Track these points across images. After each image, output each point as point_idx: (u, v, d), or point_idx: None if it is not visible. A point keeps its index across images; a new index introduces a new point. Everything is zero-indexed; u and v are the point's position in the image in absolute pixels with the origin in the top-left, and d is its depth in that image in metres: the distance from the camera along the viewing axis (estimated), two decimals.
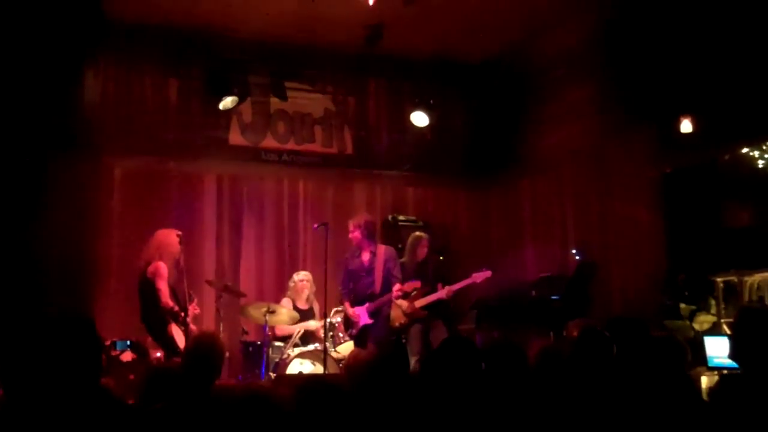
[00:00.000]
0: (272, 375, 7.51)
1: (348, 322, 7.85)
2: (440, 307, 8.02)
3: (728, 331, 6.92)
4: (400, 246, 8.60)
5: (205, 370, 3.80)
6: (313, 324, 8.24)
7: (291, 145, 9.83)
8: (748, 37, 6.91)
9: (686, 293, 7.82)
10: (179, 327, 7.03)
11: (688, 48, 7.37)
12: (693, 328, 7.45)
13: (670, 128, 7.91)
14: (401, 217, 9.89)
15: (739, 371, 3.81)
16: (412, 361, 7.66)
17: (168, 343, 6.99)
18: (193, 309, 7.18)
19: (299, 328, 8.08)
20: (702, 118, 7.71)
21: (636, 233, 8.17)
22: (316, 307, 8.41)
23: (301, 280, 8.50)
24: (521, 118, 9.59)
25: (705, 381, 6.62)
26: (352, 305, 7.79)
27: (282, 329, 8.20)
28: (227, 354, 5.71)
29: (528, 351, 4.12)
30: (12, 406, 3.25)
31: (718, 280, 7.49)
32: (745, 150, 7.82)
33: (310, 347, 7.80)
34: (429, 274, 8.10)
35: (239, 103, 9.19)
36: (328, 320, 7.74)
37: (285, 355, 7.79)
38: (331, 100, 10.07)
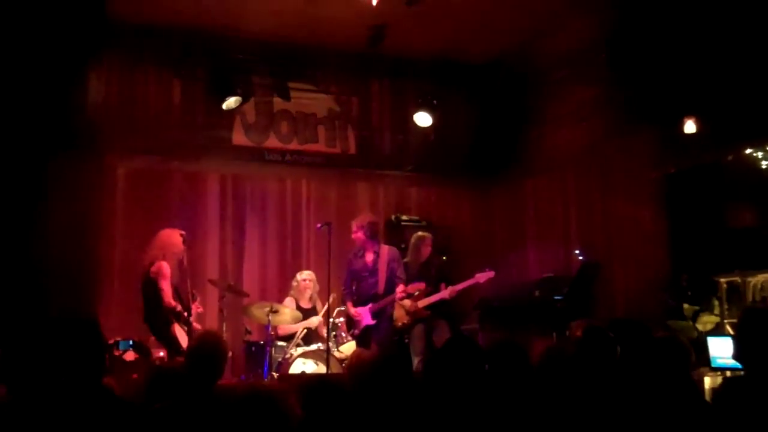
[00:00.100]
0: (275, 375, 7.52)
1: (350, 322, 7.85)
2: (443, 308, 8.03)
3: (731, 332, 6.92)
4: (403, 246, 8.61)
5: (207, 369, 3.80)
6: (315, 320, 8.24)
7: (294, 145, 9.83)
8: (751, 39, 6.91)
9: (689, 294, 7.82)
10: (182, 327, 7.04)
11: (691, 49, 7.37)
12: (696, 329, 7.44)
13: (673, 129, 7.90)
14: (404, 217, 9.90)
15: (742, 372, 3.81)
16: (415, 361, 7.66)
17: (171, 343, 7.00)
18: (196, 308, 7.19)
19: (301, 327, 8.09)
20: (705, 119, 7.71)
21: (639, 234, 8.17)
22: (319, 307, 8.41)
23: (304, 280, 8.51)
24: (524, 118, 9.60)
25: (708, 382, 6.61)
26: (355, 305, 7.79)
27: (285, 329, 8.21)
28: (230, 354, 5.72)
29: (531, 351, 4.11)
30: (16, 405, 3.26)
31: (722, 280, 7.49)
32: (748, 151, 7.81)
33: (313, 347, 7.81)
34: (432, 274, 8.11)
35: (242, 103, 9.19)
36: (331, 320, 7.75)
37: (288, 355, 7.80)
38: (334, 100, 10.07)
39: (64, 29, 7.43)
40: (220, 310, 7.81)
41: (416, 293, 7.86)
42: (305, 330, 8.13)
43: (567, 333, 7.54)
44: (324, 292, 7.94)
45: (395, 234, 9.50)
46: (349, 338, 7.95)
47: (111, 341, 6.77)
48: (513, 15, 8.54)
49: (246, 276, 9.34)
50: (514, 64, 9.76)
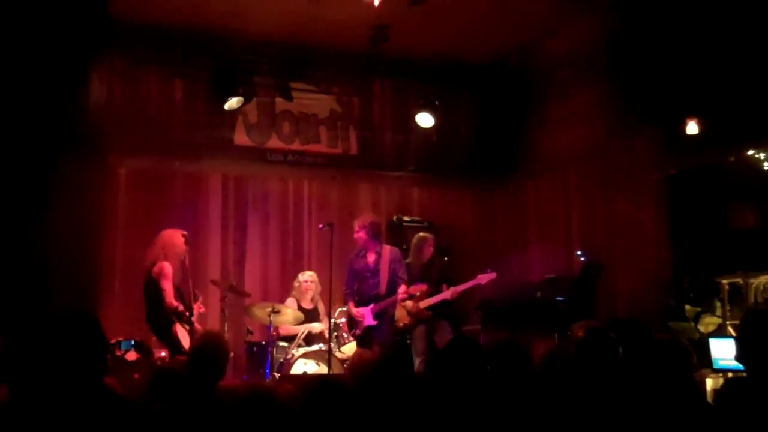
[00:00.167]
0: (276, 375, 7.52)
1: (352, 323, 7.85)
2: (444, 308, 8.02)
3: (733, 333, 6.92)
4: (405, 247, 8.61)
5: (209, 370, 3.81)
6: (317, 326, 8.25)
7: (296, 146, 9.83)
8: (753, 40, 6.90)
9: (691, 295, 7.82)
10: (184, 327, 7.04)
11: (693, 50, 7.36)
12: (698, 330, 7.44)
13: (675, 130, 7.90)
14: (406, 218, 9.90)
15: (744, 373, 3.81)
16: (417, 361, 7.67)
17: (172, 343, 7.01)
18: (198, 308, 7.19)
19: (304, 329, 8.09)
20: (707, 120, 7.71)
21: (641, 235, 8.16)
22: (321, 308, 8.41)
23: (306, 281, 8.51)
24: (526, 119, 9.59)
25: (710, 383, 6.60)
26: (357, 305, 7.79)
27: (286, 329, 8.21)
28: (232, 354, 5.72)
29: (532, 352, 4.11)
30: (18, 405, 3.26)
31: (724, 281, 7.49)
32: (750, 152, 7.81)
33: (315, 347, 7.82)
34: (434, 275, 8.10)
35: (244, 103, 9.19)
36: (333, 321, 7.75)
37: (289, 356, 7.80)
38: (336, 100, 10.07)
39: (66, 29, 7.42)
40: (222, 311, 7.81)
41: (418, 294, 7.86)
42: (307, 331, 8.13)
43: (568, 334, 7.54)
44: (326, 293, 7.93)
45: (397, 234, 9.51)
46: (351, 339, 7.95)
47: (113, 341, 6.77)
48: (515, 16, 8.53)
49: (248, 276, 9.34)
50: (516, 64, 9.76)
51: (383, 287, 7.71)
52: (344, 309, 8.03)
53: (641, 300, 7.88)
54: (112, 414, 3.14)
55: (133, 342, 6.99)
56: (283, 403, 3.30)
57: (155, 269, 7.07)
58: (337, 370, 7.23)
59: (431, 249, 8.26)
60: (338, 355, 7.70)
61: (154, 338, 7.20)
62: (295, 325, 8.07)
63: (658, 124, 7.96)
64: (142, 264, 7.28)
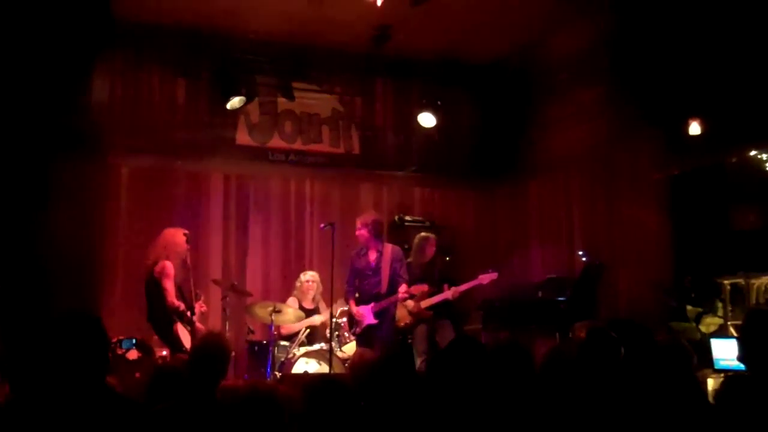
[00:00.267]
0: (278, 374, 7.53)
1: (352, 321, 7.85)
2: (446, 308, 8.03)
3: (735, 334, 6.91)
4: (406, 246, 8.61)
5: (211, 369, 3.81)
6: (317, 318, 8.24)
7: (298, 145, 9.84)
8: (755, 40, 6.90)
9: (693, 295, 7.80)
10: (185, 326, 7.04)
11: (695, 51, 7.36)
12: (699, 331, 7.42)
13: (677, 130, 7.89)
14: (408, 218, 9.90)
15: (745, 373, 3.81)
16: (418, 361, 7.67)
17: (173, 342, 7.01)
18: (199, 307, 7.19)
19: (304, 325, 8.09)
20: (710, 120, 7.69)
21: (643, 235, 8.16)
22: (323, 307, 8.41)
23: (308, 281, 8.51)
24: (528, 119, 9.59)
25: (711, 383, 6.60)
26: (357, 304, 7.80)
27: (288, 328, 8.21)
28: (233, 353, 5.72)
29: (534, 352, 4.11)
30: (19, 403, 3.26)
31: (725, 282, 7.48)
32: (753, 153, 7.79)
33: (316, 347, 7.82)
34: (435, 275, 8.11)
35: (247, 103, 9.19)
36: (334, 320, 7.75)
37: (291, 355, 7.80)
38: (338, 100, 10.07)
39: (69, 28, 7.44)
40: (223, 310, 7.82)
41: (418, 294, 7.86)
42: (308, 330, 8.13)
43: (570, 334, 7.53)
44: (327, 293, 7.94)
45: (399, 234, 9.51)
46: (352, 338, 7.95)
47: (114, 340, 6.78)
48: (517, 16, 8.53)
49: (249, 276, 9.34)
50: (518, 65, 9.76)
51: (384, 286, 7.70)
52: (345, 308, 8.03)
53: (642, 300, 7.88)
54: (113, 412, 3.15)
55: (134, 341, 6.99)
56: (284, 402, 3.31)
57: (157, 268, 7.07)
58: (338, 369, 7.23)
59: (433, 249, 8.27)
60: (339, 354, 7.71)
61: (156, 337, 7.20)
62: (297, 324, 8.07)
63: (660, 124, 7.96)
64: (143, 263, 7.28)
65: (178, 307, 7.01)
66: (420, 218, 9.97)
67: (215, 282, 8.25)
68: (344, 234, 8.11)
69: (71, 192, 7.58)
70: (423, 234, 8.49)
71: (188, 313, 6.98)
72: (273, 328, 7.73)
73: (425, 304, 7.91)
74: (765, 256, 7.28)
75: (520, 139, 9.69)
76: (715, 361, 6.61)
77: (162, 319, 7.05)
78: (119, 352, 6.82)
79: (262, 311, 7.75)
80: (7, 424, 3.10)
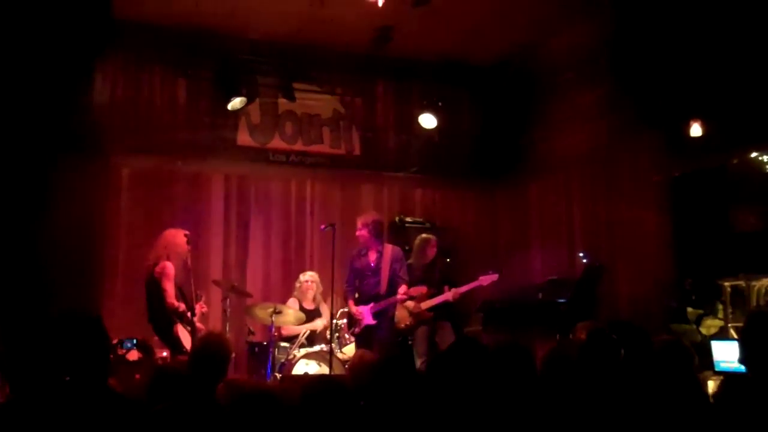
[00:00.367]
0: (278, 375, 7.52)
1: (351, 321, 7.85)
2: (446, 310, 8.02)
3: (735, 336, 6.91)
4: (407, 247, 8.60)
5: (211, 370, 3.81)
6: (319, 323, 8.25)
7: (299, 146, 9.84)
8: (757, 42, 6.90)
9: (693, 297, 7.81)
10: (185, 327, 7.04)
11: (697, 52, 7.36)
12: (700, 333, 7.43)
13: (678, 132, 7.89)
14: (408, 219, 9.90)
15: (745, 374, 3.80)
16: (418, 362, 7.66)
17: (173, 343, 7.01)
18: (200, 308, 7.19)
19: (305, 329, 8.09)
20: (711, 122, 7.70)
21: (643, 237, 8.15)
22: (323, 308, 8.41)
23: (307, 281, 8.51)
24: (529, 120, 9.59)
25: (712, 385, 6.60)
26: (357, 304, 7.80)
27: (288, 330, 8.21)
28: (233, 354, 5.71)
29: (534, 354, 4.11)
30: (19, 403, 3.26)
31: (726, 284, 7.47)
32: (754, 154, 7.79)
33: (316, 348, 7.82)
34: (436, 276, 8.10)
35: (247, 103, 9.20)
36: (335, 321, 7.75)
37: (291, 356, 7.80)
38: (339, 101, 10.07)
39: (70, 29, 7.43)
40: (224, 311, 7.80)
41: (417, 296, 7.86)
42: (308, 331, 8.13)
43: (571, 335, 7.52)
44: (328, 293, 7.93)
45: (399, 235, 9.50)
46: (352, 339, 7.94)
47: (115, 340, 6.77)
48: (518, 17, 8.53)
49: (249, 277, 9.34)
50: (519, 66, 9.75)
51: (383, 286, 7.70)
52: (346, 309, 8.03)
53: (643, 302, 7.88)
54: (113, 412, 3.15)
55: (135, 341, 7.00)
56: (284, 403, 3.31)
57: (157, 269, 7.07)
58: (338, 370, 7.22)
59: (434, 250, 8.26)
60: (339, 355, 7.70)
61: (156, 338, 7.20)
62: (297, 325, 8.07)
63: (661, 126, 7.96)
64: (144, 263, 7.28)
65: (178, 308, 7.01)
66: (420, 219, 9.97)
67: (216, 283, 8.24)
68: (345, 235, 8.10)
69: (72, 192, 7.58)
70: (424, 235, 8.48)
71: (188, 314, 6.97)
72: (273, 329, 7.73)
73: (426, 305, 7.91)
74: (766, 258, 7.28)
75: (520, 140, 9.69)
76: (715, 363, 6.61)
77: (162, 319, 7.04)
78: (120, 352, 6.83)
79: (263, 312, 7.75)
80: (7, 424, 3.10)
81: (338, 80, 10.04)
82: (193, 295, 7.04)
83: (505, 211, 10.41)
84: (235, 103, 9.06)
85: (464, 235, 10.15)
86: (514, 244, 9.98)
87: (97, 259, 8.08)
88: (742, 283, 7.35)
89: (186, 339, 6.97)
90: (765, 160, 7.77)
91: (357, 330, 7.76)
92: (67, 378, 3.28)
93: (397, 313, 7.87)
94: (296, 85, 9.64)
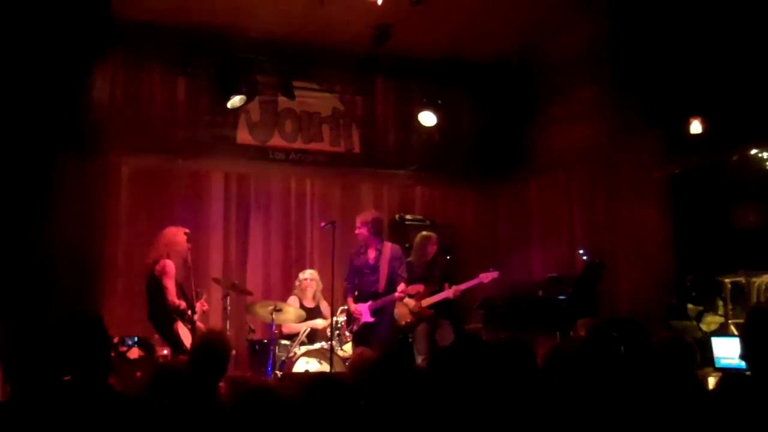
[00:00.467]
0: (278, 373, 7.53)
1: (350, 319, 7.87)
2: (446, 307, 8.02)
3: (736, 332, 6.91)
4: (407, 245, 8.61)
5: (211, 367, 3.81)
6: (320, 323, 8.25)
7: (298, 144, 9.83)
8: (756, 39, 6.90)
9: (694, 294, 7.81)
10: (185, 325, 7.05)
11: (696, 49, 7.35)
12: (700, 329, 7.43)
13: (678, 129, 7.89)
14: (408, 217, 9.91)
15: (744, 371, 3.81)
16: (418, 360, 7.67)
17: (174, 341, 7.01)
18: (201, 306, 7.20)
19: (306, 327, 8.09)
20: (710, 119, 7.70)
21: (643, 234, 8.15)
22: (324, 306, 8.41)
23: (306, 279, 8.51)
24: (529, 118, 9.58)
25: (712, 382, 6.60)
26: (356, 302, 7.82)
27: (289, 327, 8.22)
28: (234, 352, 5.72)
29: (535, 351, 4.11)
30: (20, 402, 3.27)
31: (726, 281, 7.48)
32: (753, 151, 7.79)
33: (317, 346, 7.82)
34: (436, 274, 8.10)
35: (247, 101, 9.20)
36: (335, 319, 7.75)
37: (291, 354, 7.80)
38: (339, 99, 10.07)
39: (69, 28, 7.43)
40: (224, 309, 7.80)
41: (419, 293, 7.86)
42: (309, 329, 8.13)
43: (571, 333, 7.54)
44: (328, 291, 7.94)
45: (399, 233, 9.51)
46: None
47: (116, 338, 6.78)
48: (518, 15, 8.52)
49: (250, 274, 9.35)
50: (519, 63, 9.75)
51: (382, 284, 7.72)
52: (346, 307, 8.03)
53: (643, 299, 7.88)
54: (113, 411, 3.15)
55: (136, 339, 7.01)
56: (284, 401, 3.31)
57: (158, 267, 7.07)
58: (339, 368, 7.23)
59: (434, 248, 8.26)
60: (340, 353, 7.70)
61: (157, 336, 7.20)
62: (297, 323, 8.07)
63: (661, 123, 7.95)
64: (144, 262, 7.29)
65: (178, 306, 7.02)
66: (420, 217, 9.97)
67: (216, 281, 8.25)
68: (345, 233, 8.11)
69: (72, 191, 7.58)
70: (424, 233, 8.48)
71: (189, 312, 6.98)
72: (274, 327, 7.73)
73: (426, 302, 7.91)
74: (766, 254, 7.28)
75: (520, 137, 9.68)
76: (715, 359, 6.62)
77: (162, 317, 7.05)
78: (121, 350, 6.84)
79: (263, 310, 7.76)
80: (8, 423, 3.10)
81: (338, 78, 10.03)
82: (194, 293, 7.05)
83: (505, 209, 10.41)
84: (235, 101, 9.06)
85: (464, 233, 10.15)
86: (514, 242, 9.98)
87: (97, 257, 8.07)
88: (742, 279, 7.36)
89: (186, 337, 6.98)
90: (765, 157, 7.77)
91: (355, 328, 7.78)
92: (68, 377, 3.29)
93: (397, 310, 7.88)
94: (296, 83, 9.64)
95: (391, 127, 10.23)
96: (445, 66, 10.01)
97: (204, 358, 3.83)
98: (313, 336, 8.16)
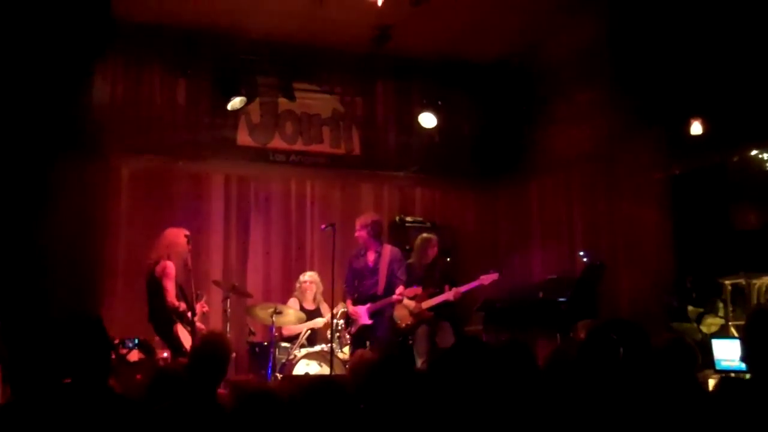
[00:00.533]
0: (279, 376, 7.52)
1: (348, 321, 7.88)
2: (446, 309, 8.02)
3: (736, 334, 6.91)
4: (407, 247, 8.60)
5: (211, 370, 3.81)
6: (320, 321, 8.24)
7: (299, 146, 9.83)
8: (757, 40, 6.89)
9: (694, 295, 7.80)
10: (185, 326, 7.04)
11: (697, 50, 7.35)
12: (700, 331, 7.43)
13: (678, 130, 7.89)
14: (409, 218, 9.90)
15: (747, 374, 3.80)
16: (419, 362, 7.66)
17: (173, 343, 7.01)
18: (201, 307, 7.20)
19: (306, 328, 8.09)
20: (711, 120, 7.70)
21: (644, 235, 8.15)
22: (324, 308, 8.41)
23: (306, 282, 8.50)
24: (529, 119, 9.58)
25: (712, 384, 6.59)
26: (354, 304, 7.82)
27: (289, 330, 8.21)
28: (234, 354, 5.71)
29: (535, 353, 4.10)
30: (20, 404, 3.26)
31: (726, 282, 7.47)
32: (754, 152, 7.79)
33: (317, 348, 7.82)
34: (436, 276, 8.10)
35: (247, 103, 9.20)
36: (335, 321, 7.75)
37: (291, 356, 7.80)
38: (339, 100, 10.06)
39: (70, 29, 7.42)
40: (224, 311, 7.80)
41: (419, 295, 7.86)
42: (309, 331, 8.13)
43: (571, 334, 7.53)
44: (328, 293, 7.94)
45: (399, 235, 9.51)
46: None
47: (116, 341, 6.77)
48: (518, 16, 8.52)
49: (250, 277, 9.34)
50: (519, 65, 9.75)
51: (381, 287, 7.74)
52: (345, 309, 8.04)
53: (644, 300, 7.88)
54: (113, 413, 3.15)
55: (136, 341, 7.00)
56: (285, 403, 3.30)
57: (158, 268, 7.08)
58: (339, 370, 7.22)
59: (435, 250, 8.25)
60: (340, 355, 7.69)
61: (157, 339, 7.20)
62: (297, 325, 8.07)
63: (661, 124, 7.95)
64: (145, 263, 7.29)
65: (178, 307, 7.02)
66: (421, 219, 9.96)
67: (216, 283, 8.24)
68: (345, 234, 8.11)
69: (72, 192, 7.56)
70: (425, 235, 8.48)
71: (189, 314, 6.98)
72: (274, 329, 7.73)
73: (426, 304, 7.90)
74: (766, 256, 7.28)
75: (521, 139, 9.68)
76: (716, 361, 6.61)
77: (162, 319, 7.05)
78: (122, 352, 6.83)
79: (263, 312, 7.75)
80: (8, 425, 3.10)
81: (338, 80, 10.03)
82: (194, 294, 7.05)
83: (505, 210, 10.41)
84: (235, 102, 9.06)
85: (465, 235, 10.15)
86: (514, 243, 9.98)
87: (97, 259, 8.06)
88: (742, 281, 7.35)
89: (186, 339, 6.98)
90: (765, 158, 7.77)
91: (353, 330, 7.78)
92: (68, 379, 3.28)
93: (397, 312, 7.88)
94: (296, 85, 9.64)
95: (392, 128, 10.23)
96: (446, 67, 10.01)
97: (204, 361, 3.83)
98: (313, 338, 8.15)
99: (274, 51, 9.45)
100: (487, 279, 7.92)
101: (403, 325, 7.90)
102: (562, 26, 8.68)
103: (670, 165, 8.20)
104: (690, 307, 7.65)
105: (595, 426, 3.65)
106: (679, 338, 4.30)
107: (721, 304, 7.51)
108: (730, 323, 7.31)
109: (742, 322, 6.27)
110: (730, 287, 7.42)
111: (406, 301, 7.82)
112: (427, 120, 9.58)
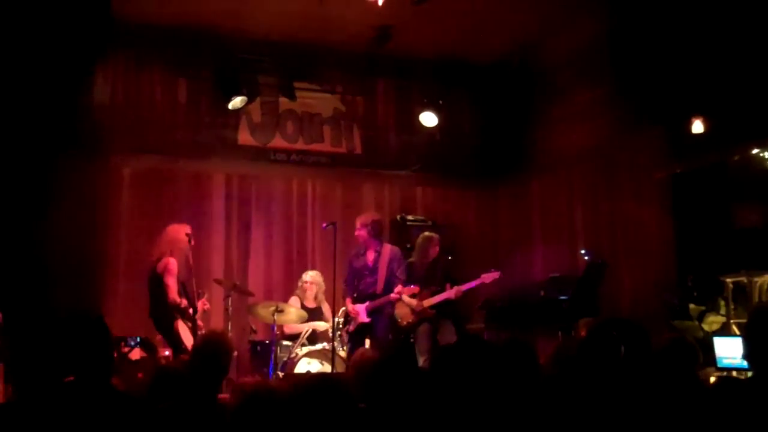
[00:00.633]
0: (280, 374, 7.53)
1: (347, 319, 7.89)
2: (448, 308, 8.01)
3: (738, 332, 6.91)
4: (408, 246, 8.60)
5: (212, 368, 3.81)
6: (322, 325, 8.24)
7: (300, 145, 9.84)
8: (757, 38, 6.89)
9: (695, 294, 7.79)
10: (186, 323, 7.05)
11: (697, 49, 7.35)
12: (702, 329, 7.42)
13: (679, 129, 7.89)
14: (410, 217, 9.91)
15: (749, 373, 3.80)
16: (420, 360, 7.66)
17: (174, 340, 7.02)
18: (202, 305, 7.20)
19: (308, 328, 8.09)
20: (712, 118, 7.69)
21: (645, 234, 8.15)
22: (325, 307, 8.41)
23: (307, 282, 8.50)
24: (530, 118, 9.59)
25: (713, 382, 6.60)
26: (354, 302, 7.84)
27: (290, 328, 8.21)
28: (235, 353, 5.72)
29: (536, 351, 4.11)
30: (23, 403, 3.27)
31: (728, 280, 7.46)
32: (755, 151, 7.78)
33: (318, 346, 7.82)
34: (438, 274, 8.09)
35: (248, 102, 9.21)
36: (336, 320, 7.76)
37: (293, 354, 7.80)
38: (340, 100, 10.07)
39: (70, 29, 7.44)
40: (226, 310, 7.81)
41: (419, 294, 7.86)
42: (311, 329, 8.13)
43: (573, 333, 7.53)
44: (329, 292, 7.94)
45: (401, 234, 9.51)
46: None
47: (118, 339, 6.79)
48: (519, 15, 8.53)
49: (251, 275, 9.35)
50: (520, 64, 9.75)
51: (380, 286, 7.75)
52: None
53: (645, 299, 7.88)
54: (116, 411, 3.15)
55: (138, 339, 7.01)
56: (286, 401, 3.31)
57: (160, 265, 7.09)
58: (340, 369, 7.23)
59: (437, 249, 8.24)
60: (342, 354, 7.70)
61: (159, 337, 7.21)
62: (299, 324, 8.07)
63: (662, 122, 7.95)
64: (147, 259, 7.30)
65: (179, 304, 7.02)
66: (422, 218, 9.97)
67: (217, 282, 8.25)
68: (346, 233, 8.11)
69: (73, 192, 7.58)
70: (426, 234, 8.47)
71: (190, 310, 6.98)
72: (275, 327, 7.73)
73: (428, 303, 7.90)
74: (767, 254, 7.28)
75: (522, 138, 9.69)
76: (717, 359, 6.61)
77: (163, 315, 7.06)
78: (124, 350, 6.84)
79: (265, 311, 7.75)
80: (11, 424, 3.10)
81: (339, 79, 10.04)
82: (195, 292, 7.06)
83: (506, 209, 10.41)
84: (236, 102, 9.07)
85: (466, 233, 10.15)
86: (516, 242, 9.98)
87: (99, 258, 8.08)
88: (743, 279, 7.34)
89: (186, 335, 6.98)
90: (766, 157, 7.76)
91: (351, 328, 7.79)
92: (71, 378, 3.29)
93: (399, 310, 7.88)
94: (297, 84, 9.65)
95: (393, 127, 10.24)
96: (446, 66, 10.02)
97: (205, 359, 3.83)
98: (314, 337, 8.15)
99: (274, 50, 9.46)
100: (488, 277, 7.92)
101: (405, 323, 7.90)
102: (562, 26, 8.69)
103: (672, 163, 8.19)
104: (691, 305, 7.64)
105: (597, 425, 3.66)
106: (680, 337, 4.30)
107: (722, 302, 7.50)
108: (731, 321, 7.29)
109: (743, 320, 6.28)
110: (731, 285, 7.40)
111: (407, 299, 7.82)
112: (428, 119, 9.59)
